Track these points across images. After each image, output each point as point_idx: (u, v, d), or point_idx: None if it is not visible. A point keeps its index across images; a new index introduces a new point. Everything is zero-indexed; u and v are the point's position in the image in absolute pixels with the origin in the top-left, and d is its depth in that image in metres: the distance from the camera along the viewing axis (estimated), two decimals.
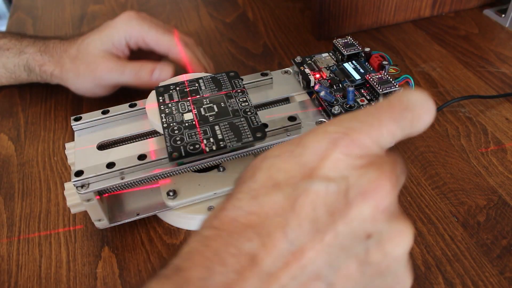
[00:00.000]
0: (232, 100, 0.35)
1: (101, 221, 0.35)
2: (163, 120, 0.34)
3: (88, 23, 0.67)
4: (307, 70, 0.39)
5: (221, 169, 0.38)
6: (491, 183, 0.39)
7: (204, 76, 0.38)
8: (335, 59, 0.41)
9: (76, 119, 0.37)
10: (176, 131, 0.33)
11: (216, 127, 0.33)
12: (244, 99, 0.35)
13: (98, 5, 0.71)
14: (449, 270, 0.33)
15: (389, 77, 0.36)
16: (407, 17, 0.61)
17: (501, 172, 0.40)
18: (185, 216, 0.36)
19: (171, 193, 0.36)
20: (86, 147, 0.35)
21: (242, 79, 0.38)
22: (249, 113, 0.34)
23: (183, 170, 0.33)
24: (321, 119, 0.36)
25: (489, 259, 0.33)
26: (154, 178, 0.33)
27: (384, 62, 0.38)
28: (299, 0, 0.68)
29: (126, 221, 0.35)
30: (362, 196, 0.19)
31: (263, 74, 0.40)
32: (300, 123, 0.35)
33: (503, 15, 0.59)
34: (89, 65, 0.45)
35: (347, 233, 0.19)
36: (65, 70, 0.47)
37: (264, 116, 0.36)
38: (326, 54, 0.42)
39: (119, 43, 0.45)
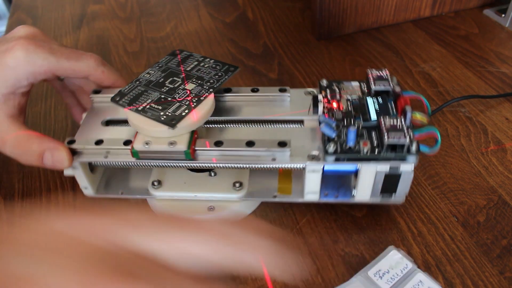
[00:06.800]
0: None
1: (87, 189, 0.36)
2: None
3: (88, 23, 0.67)
4: (320, 96, 0.35)
5: (212, 174, 0.37)
6: (491, 183, 0.39)
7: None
8: (362, 90, 0.36)
9: (96, 92, 0.38)
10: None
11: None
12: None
13: (98, 5, 0.71)
14: (449, 270, 0.33)
15: (404, 126, 0.30)
16: (407, 17, 0.61)
17: (501, 172, 0.40)
18: (184, 216, 0.36)
19: (155, 183, 0.36)
20: (93, 119, 0.37)
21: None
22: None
23: (164, 164, 0.34)
24: (314, 152, 0.31)
25: (489, 259, 0.33)
26: (132, 165, 0.34)
27: (407, 108, 0.31)
28: (299, 0, 0.68)
29: (110, 196, 0.36)
30: None
31: (282, 90, 0.37)
32: (288, 151, 0.31)
33: (503, 15, 0.59)
34: None
35: None
36: None
37: (260, 132, 0.35)
38: (357, 83, 0.37)
39: (18, 89, 0.35)
